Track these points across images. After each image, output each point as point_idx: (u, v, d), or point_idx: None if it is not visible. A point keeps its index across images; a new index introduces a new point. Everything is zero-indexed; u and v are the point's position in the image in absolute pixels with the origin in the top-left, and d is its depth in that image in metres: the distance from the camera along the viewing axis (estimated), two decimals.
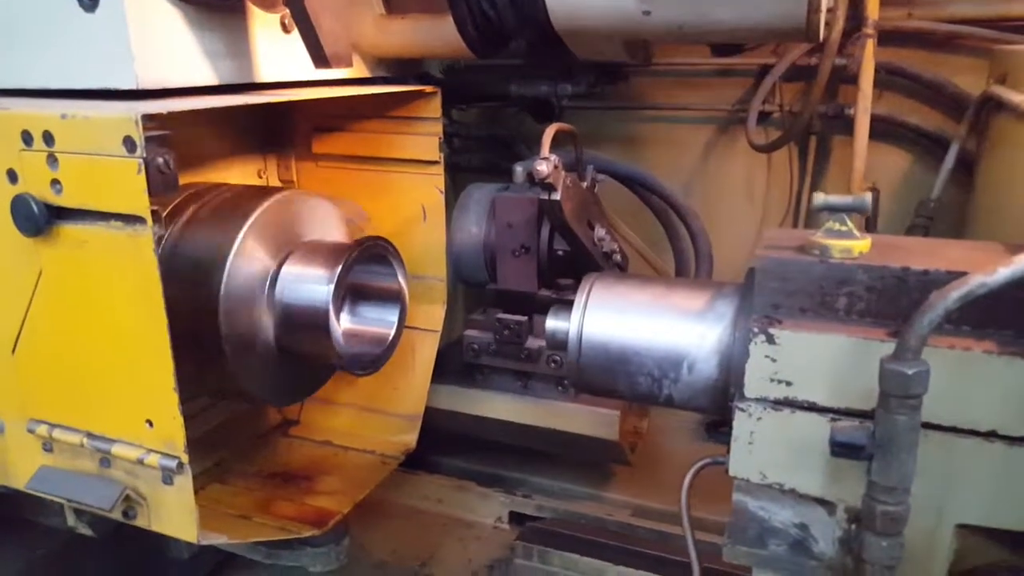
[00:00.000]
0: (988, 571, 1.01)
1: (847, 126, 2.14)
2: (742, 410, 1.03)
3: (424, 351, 1.86)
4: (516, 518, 2.06)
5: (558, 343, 1.22)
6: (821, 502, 1.04)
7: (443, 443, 2.09)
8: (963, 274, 0.86)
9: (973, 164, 1.96)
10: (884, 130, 2.20)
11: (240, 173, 1.84)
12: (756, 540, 1.07)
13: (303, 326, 1.44)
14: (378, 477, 1.70)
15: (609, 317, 1.18)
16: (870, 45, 2.02)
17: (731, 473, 1.06)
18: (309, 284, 1.44)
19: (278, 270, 1.46)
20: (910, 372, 0.85)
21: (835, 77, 2.18)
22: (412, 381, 1.87)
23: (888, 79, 2.16)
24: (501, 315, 1.91)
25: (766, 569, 1.07)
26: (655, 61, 2.35)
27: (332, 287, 1.41)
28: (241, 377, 1.43)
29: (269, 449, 1.84)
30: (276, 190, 1.53)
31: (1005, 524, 0.95)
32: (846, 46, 2.13)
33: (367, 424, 1.87)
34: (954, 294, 0.84)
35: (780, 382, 1.00)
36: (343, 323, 1.59)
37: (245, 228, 1.41)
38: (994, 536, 0.99)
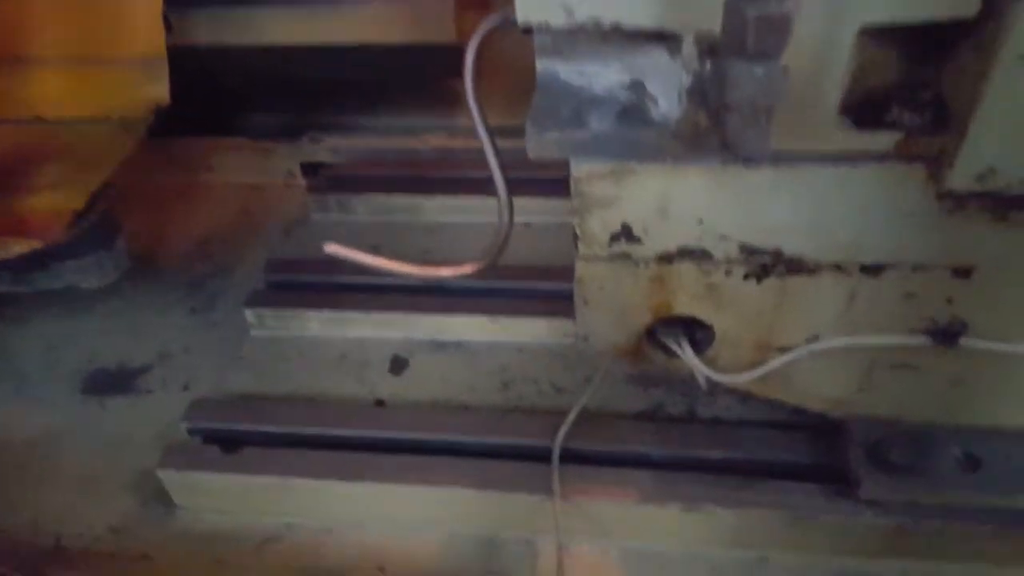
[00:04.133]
0: (893, 91, 0.70)
1: None
2: None
3: None
4: (312, 170, 1.65)
5: None
6: (660, 38, 0.67)
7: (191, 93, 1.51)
8: None
9: None
10: None
11: None
12: (571, 119, 0.72)
13: None
14: (121, 153, 1.19)
15: None
16: None
17: (520, 21, 0.66)
18: None
19: None
20: None
21: None
22: (136, 5, 1.25)
23: None
24: None
25: (586, 155, 0.75)
26: None
27: None
28: None
29: None
30: None
31: (918, 16, 0.61)
32: None
33: (89, 82, 1.28)
34: None
35: None
36: None
37: None
38: (897, 43, 0.68)
